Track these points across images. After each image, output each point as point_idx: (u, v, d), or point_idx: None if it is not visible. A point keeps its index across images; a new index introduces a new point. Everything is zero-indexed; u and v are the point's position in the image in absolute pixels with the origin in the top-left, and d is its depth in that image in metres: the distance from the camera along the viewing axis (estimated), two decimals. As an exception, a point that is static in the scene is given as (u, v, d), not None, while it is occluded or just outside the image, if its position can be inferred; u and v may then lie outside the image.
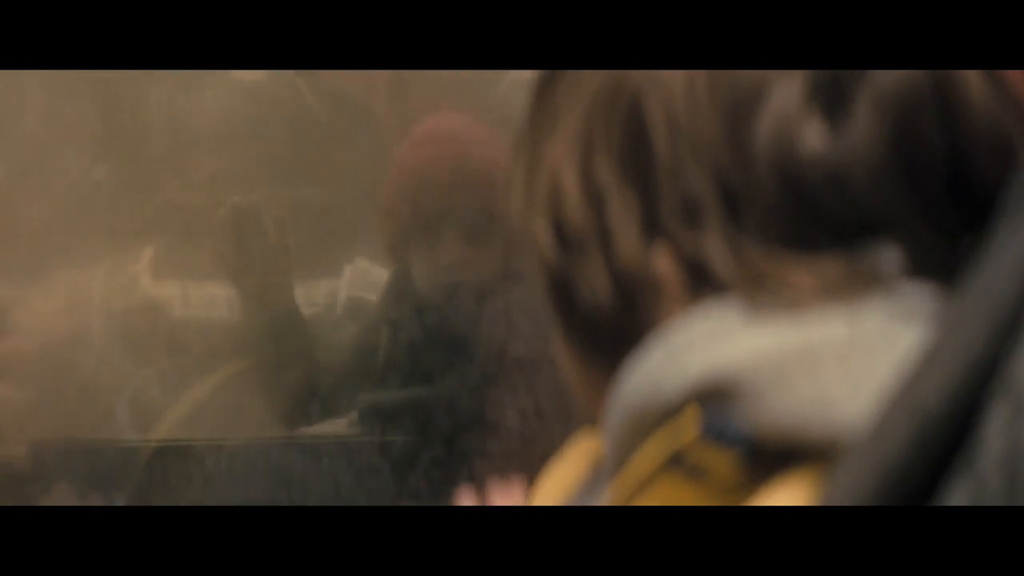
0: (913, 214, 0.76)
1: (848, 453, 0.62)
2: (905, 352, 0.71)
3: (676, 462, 0.76)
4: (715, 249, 0.76)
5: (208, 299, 1.63)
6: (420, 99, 1.63)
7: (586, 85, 0.81)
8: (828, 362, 0.73)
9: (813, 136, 0.75)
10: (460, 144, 1.65)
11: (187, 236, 1.60)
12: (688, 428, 0.75)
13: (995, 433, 0.55)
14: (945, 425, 0.58)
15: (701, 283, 0.76)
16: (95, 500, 1.57)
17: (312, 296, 1.66)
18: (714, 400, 0.74)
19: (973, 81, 0.77)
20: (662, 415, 0.76)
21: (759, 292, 0.75)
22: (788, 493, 0.73)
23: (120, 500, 1.59)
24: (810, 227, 0.75)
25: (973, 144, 0.77)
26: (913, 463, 0.58)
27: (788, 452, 0.74)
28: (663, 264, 0.77)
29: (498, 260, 1.63)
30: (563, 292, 0.81)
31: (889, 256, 0.75)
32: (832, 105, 0.76)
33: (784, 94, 0.76)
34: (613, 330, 0.79)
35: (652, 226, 0.78)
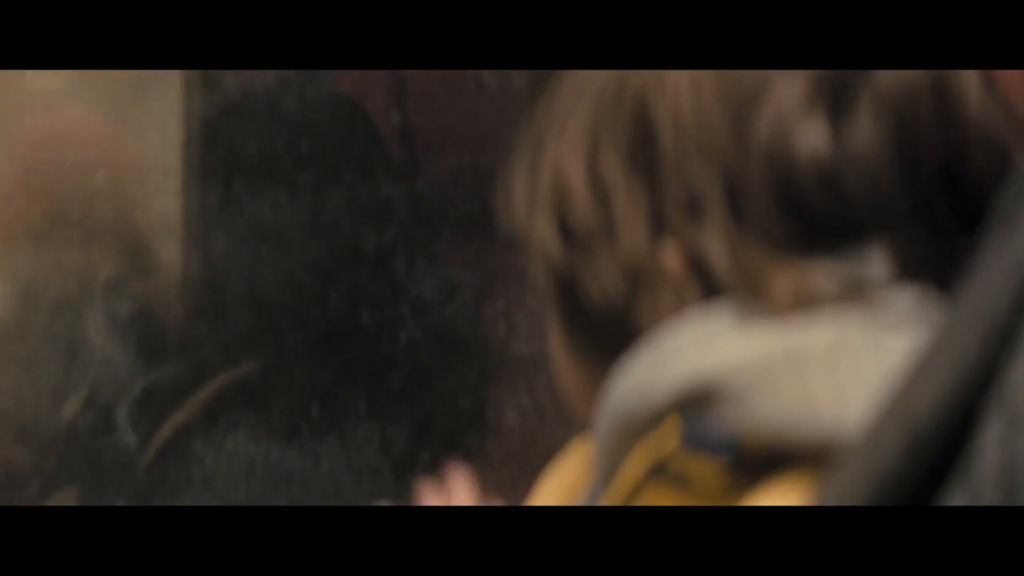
0: (910, 216, 0.76)
1: (840, 463, 0.62)
2: (891, 355, 0.72)
3: (660, 471, 0.76)
4: (714, 245, 0.76)
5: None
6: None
7: (588, 85, 0.81)
8: (812, 365, 0.73)
9: (813, 135, 0.75)
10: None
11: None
12: (669, 437, 0.75)
13: (990, 445, 0.55)
14: (938, 435, 0.58)
15: (705, 279, 0.76)
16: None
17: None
18: (700, 405, 0.74)
19: (971, 82, 0.77)
20: (650, 420, 0.76)
21: (751, 293, 0.75)
22: (775, 498, 0.73)
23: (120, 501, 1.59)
24: (804, 228, 0.75)
25: (968, 146, 0.77)
26: (905, 474, 0.58)
27: (774, 457, 0.74)
28: (670, 259, 0.77)
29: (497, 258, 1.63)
30: (567, 291, 0.81)
31: (879, 262, 0.75)
32: (834, 104, 0.76)
33: (786, 91, 0.76)
34: (617, 329, 0.79)
35: (659, 222, 0.78)
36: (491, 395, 1.64)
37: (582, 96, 0.81)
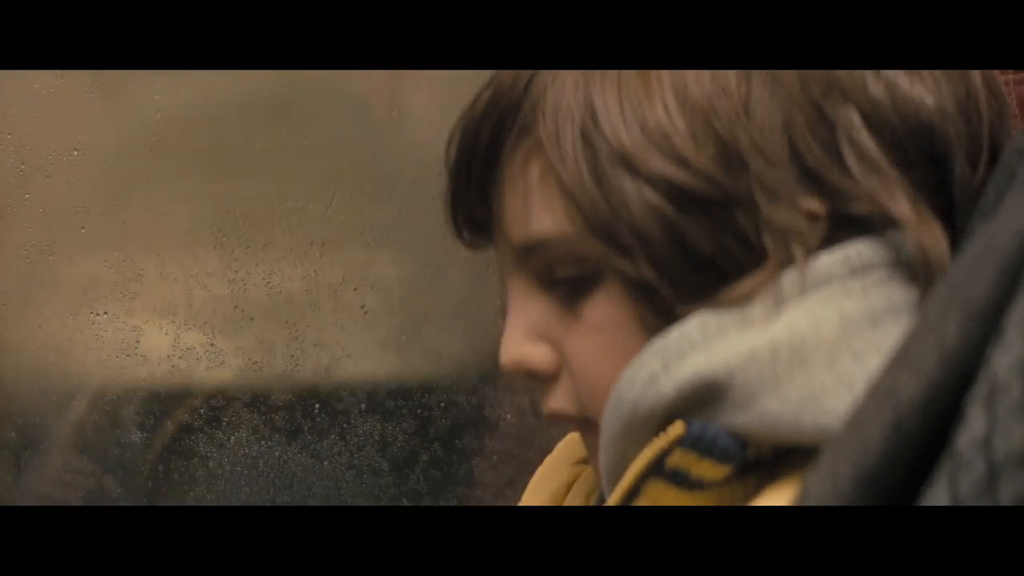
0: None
1: (828, 444, 0.63)
2: (892, 342, 0.72)
3: (660, 473, 0.75)
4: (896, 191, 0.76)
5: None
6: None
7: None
8: (817, 356, 0.73)
9: (921, 90, 0.77)
10: None
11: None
12: (674, 441, 0.75)
13: (972, 415, 0.56)
14: (921, 414, 0.58)
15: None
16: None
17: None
18: (707, 407, 0.74)
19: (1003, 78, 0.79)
20: (655, 415, 0.75)
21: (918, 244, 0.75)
22: (784, 500, 0.73)
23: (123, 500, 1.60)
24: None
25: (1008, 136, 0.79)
26: (891, 453, 0.59)
27: (782, 453, 0.74)
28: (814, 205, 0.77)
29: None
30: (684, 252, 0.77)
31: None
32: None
33: None
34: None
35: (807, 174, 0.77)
36: (490, 394, 1.65)
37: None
